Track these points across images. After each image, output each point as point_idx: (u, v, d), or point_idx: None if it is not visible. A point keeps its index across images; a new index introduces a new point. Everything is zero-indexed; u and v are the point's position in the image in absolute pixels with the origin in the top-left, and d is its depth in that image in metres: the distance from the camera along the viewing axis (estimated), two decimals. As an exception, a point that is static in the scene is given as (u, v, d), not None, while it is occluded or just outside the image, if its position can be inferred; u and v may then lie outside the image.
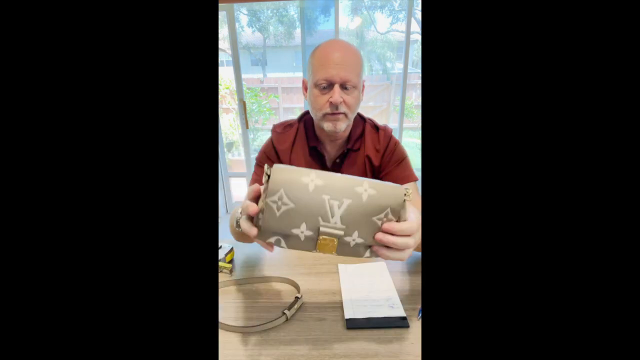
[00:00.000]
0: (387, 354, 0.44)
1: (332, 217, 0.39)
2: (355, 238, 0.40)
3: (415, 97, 3.81)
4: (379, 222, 0.40)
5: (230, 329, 0.49)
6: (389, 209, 0.40)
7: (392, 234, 0.40)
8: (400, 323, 0.49)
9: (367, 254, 0.42)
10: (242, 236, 0.70)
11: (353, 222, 0.39)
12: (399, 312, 0.51)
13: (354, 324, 0.49)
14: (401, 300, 0.54)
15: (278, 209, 0.39)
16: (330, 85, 0.69)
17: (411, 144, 4.26)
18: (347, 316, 0.50)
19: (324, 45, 0.71)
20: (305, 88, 0.78)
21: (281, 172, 0.38)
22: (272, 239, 0.41)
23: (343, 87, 0.69)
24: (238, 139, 3.75)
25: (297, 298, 0.54)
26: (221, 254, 0.66)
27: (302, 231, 0.40)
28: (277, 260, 0.69)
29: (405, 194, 0.40)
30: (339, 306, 0.53)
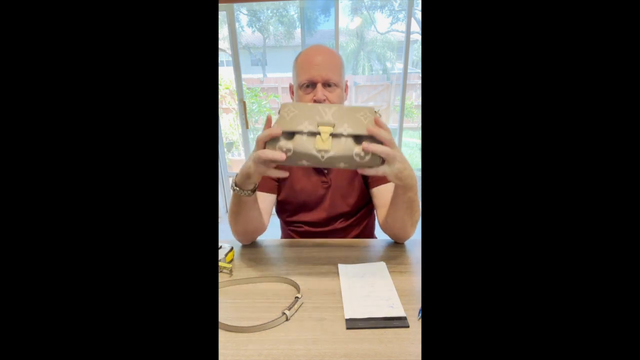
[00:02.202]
0: (387, 354, 0.44)
1: (325, 115, 0.55)
2: (346, 128, 0.53)
3: (415, 97, 3.81)
4: (362, 118, 0.54)
5: (230, 329, 0.49)
6: (366, 110, 0.55)
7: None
8: (400, 323, 0.49)
9: (357, 149, 0.53)
10: (237, 209, 0.68)
11: (341, 117, 0.54)
12: (399, 312, 0.51)
13: (354, 324, 0.49)
14: (401, 300, 0.54)
15: (287, 115, 0.55)
16: (313, 85, 0.75)
17: (411, 144, 4.26)
18: (347, 316, 0.50)
19: (306, 51, 0.78)
20: (291, 92, 0.83)
21: (287, 103, 0.57)
22: (283, 143, 0.54)
23: (326, 85, 0.75)
24: (238, 139, 3.75)
25: (297, 298, 0.54)
26: (221, 254, 0.66)
27: (306, 126, 0.53)
28: (277, 260, 0.69)
29: (376, 111, 0.56)
30: (339, 306, 0.53)
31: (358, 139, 0.53)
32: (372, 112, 0.55)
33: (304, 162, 0.55)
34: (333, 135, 0.53)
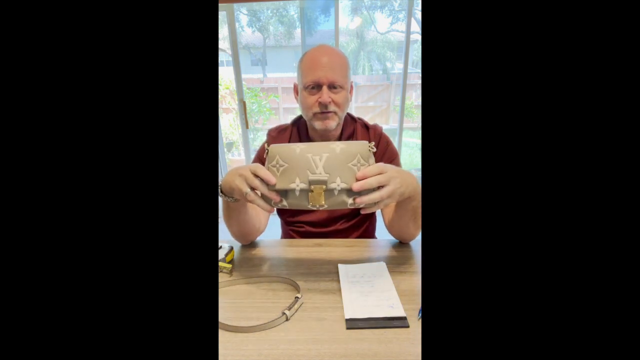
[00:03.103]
0: (387, 354, 0.44)
1: (317, 168, 0.51)
2: (338, 183, 0.51)
3: (415, 97, 3.81)
4: (354, 168, 0.52)
5: (230, 329, 0.49)
6: (358, 155, 0.52)
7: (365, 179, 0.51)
8: (400, 323, 0.49)
9: (350, 200, 0.52)
10: (227, 212, 0.67)
11: (334, 169, 0.51)
12: (399, 312, 0.51)
13: (354, 324, 0.49)
14: (401, 300, 0.54)
15: (277, 170, 0.53)
16: (318, 87, 0.74)
17: (411, 144, 4.25)
18: (347, 316, 0.50)
19: (312, 51, 0.77)
20: (296, 92, 0.82)
21: (276, 147, 0.54)
22: (278, 201, 0.53)
23: (331, 87, 0.74)
24: (238, 139, 3.75)
25: (297, 298, 0.54)
26: (221, 254, 0.66)
27: (297, 184, 0.52)
28: (277, 260, 0.69)
29: (369, 147, 0.54)
30: (339, 306, 0.53)
31: (352, 190, 0.51)
32: (365, 154, 0.53)
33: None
34: (326, 190, 0.52)
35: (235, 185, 0.56)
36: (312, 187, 0.51)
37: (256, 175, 0.53)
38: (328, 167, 0.51)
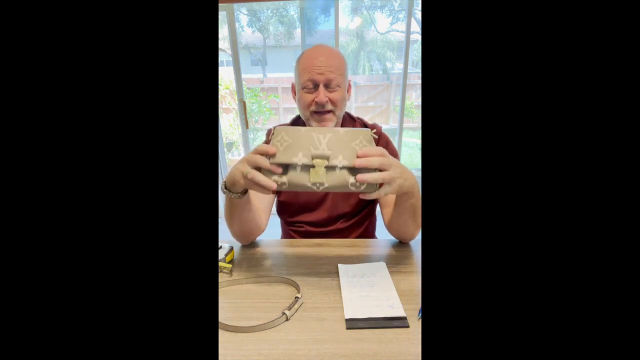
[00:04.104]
0: (387, 354, 0.44)
1: (320, 144, 0.52)
2: (340, 160, 0.52)
3: (415, 97, 3.81)
4: (357, 147, 0.53)
5: (230, 329, 0.49)
6: (361, 137, 0.53)
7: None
8: (400, 323, 0.49)
9: (352, 180, 0.52)
10: (230, 210, 0.67)
11: (336, 147, 0.52)
12: (399, 312, 0.51)
13: (354, 324, 0.49)
14: (401, 300, 0.54)
15: (281, 145, 0.53)
16: (315, 86, 0.74)
17: (411, 144, 4.25)
18: (347, 316, 0.50)
19: (308, 51, 0.77)
20: (294, 92, 0.82)
21: (282, 127, 0.55)
22: (277, 177, 0.53)
23: (327, 86, 0.74)
24: (238, 139, 3.75)
25: (297, 298, 0.54)
26: (221, 254, 0.66)
27: (300, 159, 0.52)
28: (277, 260, 0.69)
29: (371, 134, 0.55)
30: (339, 306, 0.53)
31: (353, 169, 0.52)
32: (368, 138, 0.54)
33: (298, 190, 0.54)
34: (327, 167, 0.52)
35: (237, 171, 0.56)
36: (314, 161, 0.51)
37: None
38: (331, 145, 0.52)
